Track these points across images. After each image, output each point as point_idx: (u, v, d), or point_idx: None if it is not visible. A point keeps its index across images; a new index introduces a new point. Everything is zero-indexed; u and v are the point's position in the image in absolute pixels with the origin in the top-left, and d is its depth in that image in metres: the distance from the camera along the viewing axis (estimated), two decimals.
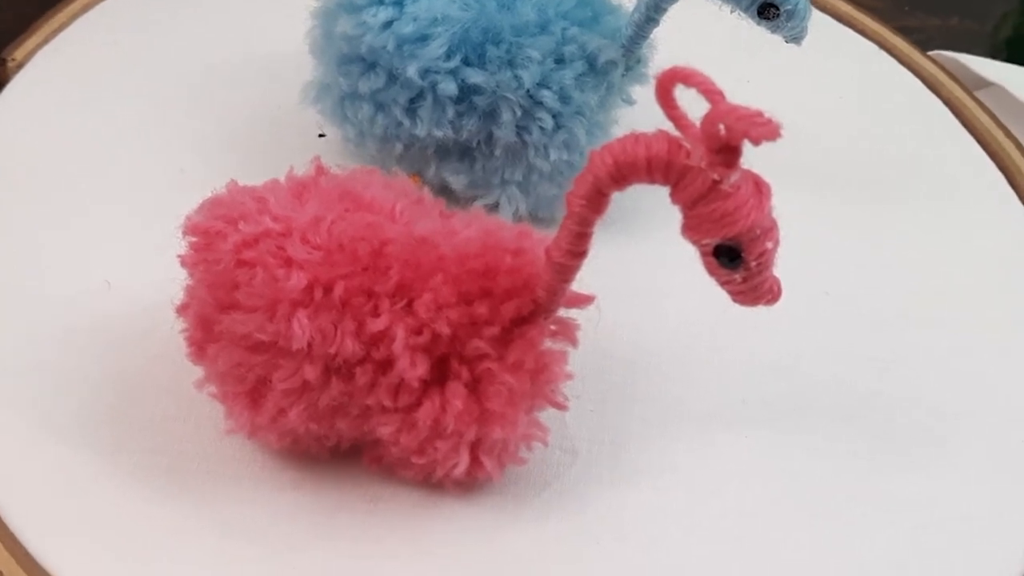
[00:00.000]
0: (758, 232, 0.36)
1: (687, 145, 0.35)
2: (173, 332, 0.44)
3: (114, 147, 0.57)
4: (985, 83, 0.67)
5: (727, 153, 0.34)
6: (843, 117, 0.63)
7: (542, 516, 0.44)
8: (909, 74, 0.66)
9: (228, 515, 0.43)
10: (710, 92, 0.33)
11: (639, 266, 0.53)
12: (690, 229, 0.37)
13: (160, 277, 0.44)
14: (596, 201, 0.37)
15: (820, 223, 0.55)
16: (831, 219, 0.56)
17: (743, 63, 0.58)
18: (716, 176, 0.35)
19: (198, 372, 0.44)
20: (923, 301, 0.54)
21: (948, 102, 0.65)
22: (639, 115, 0.49)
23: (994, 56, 0.71)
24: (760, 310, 0.39)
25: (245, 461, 0.45)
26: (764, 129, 0.32)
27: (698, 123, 0.34)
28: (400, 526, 0.43)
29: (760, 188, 0.36)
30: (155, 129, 0.58)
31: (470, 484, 0.44)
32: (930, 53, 0.68)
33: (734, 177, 0.35)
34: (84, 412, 0.46)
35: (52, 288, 0.50)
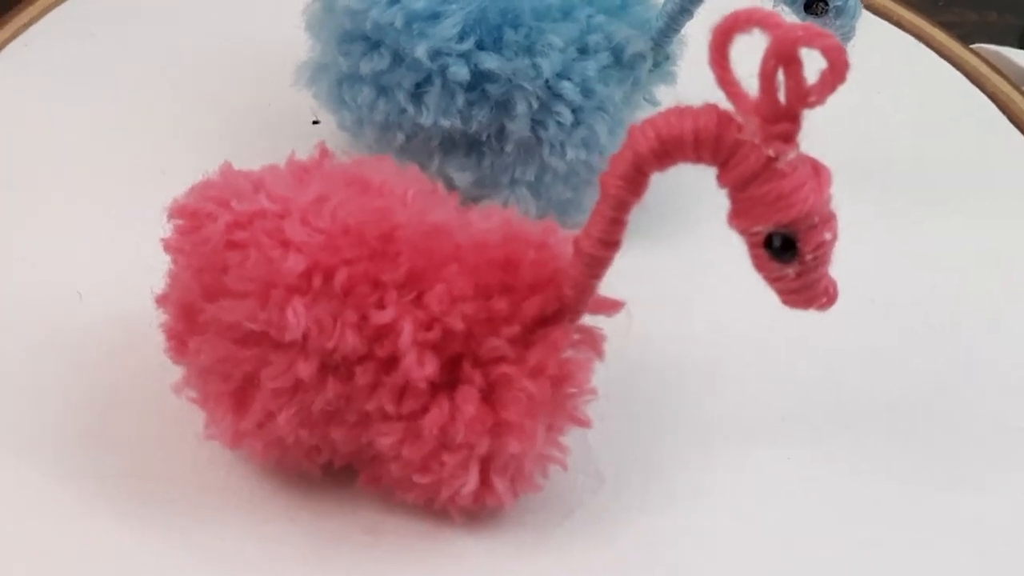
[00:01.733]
0: (816, 220, 0.35)
1: (739, 119, 0.34)
2: (151, 345, 0.42)
3: (89, 146, 0.57)
4: None
5: (785, 123, 0.33)
6: (882, 113, 0.62)
7: (564, 547, 0.42)
8: (950, 67, 0.66)
9: (213, 547, 0.42)
10: (775, 27, 0.31)
11: (668, 272, 0.51)
12: (739, 215, 0.35)
13: (137, 286, 0.42)
14: (635, 182, 0.36)
15: (862, 225, 0.54)
16: (874, 221, 0.56)
17: None
18: (771, 152, 0.34)
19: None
20: (976, 305, 0.53)
21: (993, 96, 0.65)
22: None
23: None
24: (802, 319, 0.37)
25: (231, 488, 0.43)
26: (828, 41, 0.31)
27: (752, 93, 0.33)
28: (405, 561, 0.42)
29: (819, 172, 0.35)
30: (133, 125, 0.58)
31: (478, 512, 0.42)
32: (972, 46, 0.68)
33: (792, 155, 0.34)
34: (54, 433, 0.44)
35: (19, 299, 0.49)
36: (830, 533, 0.44)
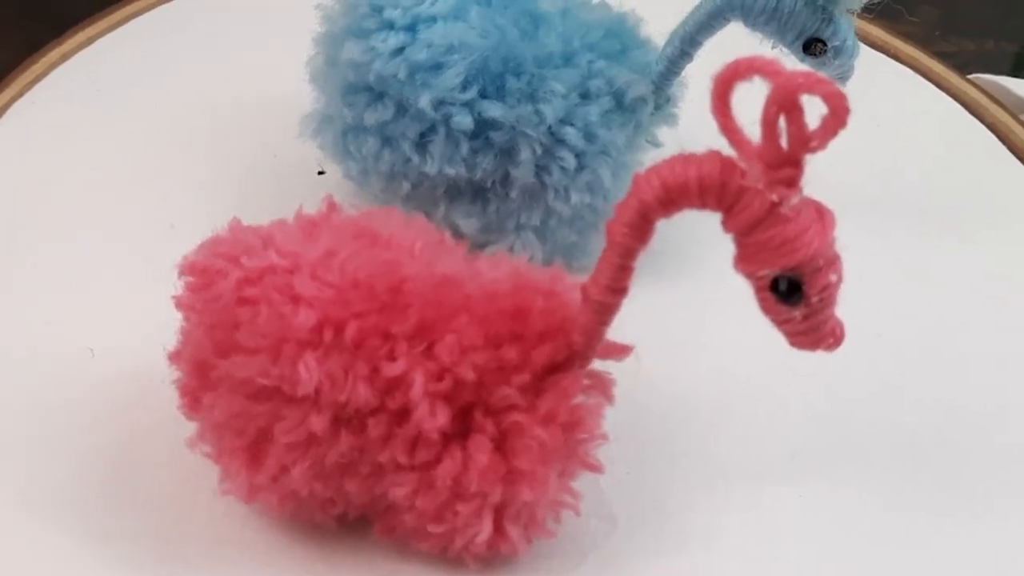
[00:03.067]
0: (821, 263, 0.35)
1: (742, 165, 0.34)
2: (164, 401, 0.43)
3: (98, 201, 0.57)
4: None
5: (788, 169, 0.33)
6: (882, 146, 0.62)
7: None
8: (949, 99, 0.66)
9: None
10: (775, 75, 0.31)
11: (675, 312, 0.52)
12: (745, 260, 0.35)
13: (149, 342, 0.43)
14: (641, 229, 0.36)
15: (865, 259, 0.54)
16: (877, 255, 0.56)
17: None
18: (775, 198, 0.34)
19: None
20: (982, 337, 0.53)
21: (992, 127, 0.65)
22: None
23: None
24: (809, 356, 0.38)
25: (247, 541, 0.43)
26: (829, 88, 0.31)
27: (755, 139, 0.33)
28: None
29: (822, 215, 0.35)
30: (141, 179, 0.58)
31: (492, 559, 0.42)
32: (970, 77, 0.68)
33: (795, 199, 0.34)
34: (70, 490, 0.45)
35: (31, 357, 0.49)
36: (845, 570, 0.44)
